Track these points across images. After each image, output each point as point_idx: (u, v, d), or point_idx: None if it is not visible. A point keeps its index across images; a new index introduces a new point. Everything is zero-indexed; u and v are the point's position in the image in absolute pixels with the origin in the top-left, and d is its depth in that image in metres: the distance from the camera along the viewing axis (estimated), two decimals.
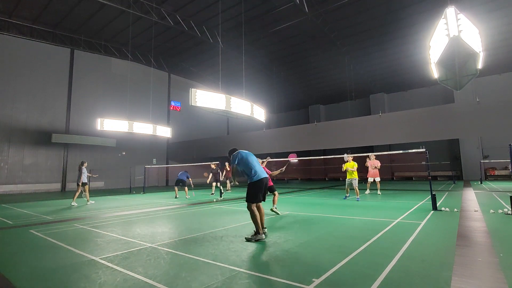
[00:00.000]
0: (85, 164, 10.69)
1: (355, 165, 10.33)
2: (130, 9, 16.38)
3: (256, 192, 4.67)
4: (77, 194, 10.35)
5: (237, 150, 5.03)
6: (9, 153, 17.73)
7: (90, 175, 12.25)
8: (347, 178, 10.40)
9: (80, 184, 10.38)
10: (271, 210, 7.12)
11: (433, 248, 3.81)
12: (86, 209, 9.15)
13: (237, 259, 3.48)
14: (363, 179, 12.81)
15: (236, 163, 4.84)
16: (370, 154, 11.60)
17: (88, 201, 10.72)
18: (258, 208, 4.73)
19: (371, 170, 11.93)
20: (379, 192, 11.93)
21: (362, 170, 12.06)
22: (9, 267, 3.43)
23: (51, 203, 11.26)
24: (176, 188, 13.12)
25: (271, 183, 7.19)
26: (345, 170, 10.40)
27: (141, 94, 24.39)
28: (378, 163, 11.83)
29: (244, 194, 7.74)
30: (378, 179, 11.89)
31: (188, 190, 13.01)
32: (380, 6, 16.61)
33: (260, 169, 4.84)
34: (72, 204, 10.01)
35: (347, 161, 10.39)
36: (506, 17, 17.11)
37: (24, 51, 18.64)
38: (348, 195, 10.70)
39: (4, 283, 2.89)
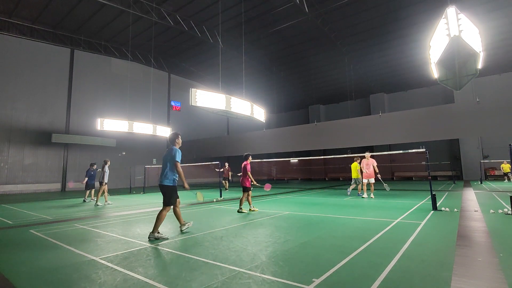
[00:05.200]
0: (108, 163, 10.63)
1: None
2: (130, 9, 16.38)
3: None
4: (100, 193, 10.34)
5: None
6: (9, 153, 17.73)
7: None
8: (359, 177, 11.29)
9: (104, 183, 10.37)
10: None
11: (433, 248, 3.81)
12: (87, 209, 9.15)
13: (237, 259, 3.48)
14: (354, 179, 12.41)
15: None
16: (366, 153, 10.97)
17: (106, 201, 10.43)
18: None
19: (367, 171, 10.78)
20: (372, 195, 10.77)
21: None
22: (9, 267, 3.42)
23: (51, 203, 11.26)
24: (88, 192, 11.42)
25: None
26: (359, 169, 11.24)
27: (141, 94, 24.38)
28: (374, 162, 10.83)
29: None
30: (372, 180, 10.80)
31: (95, 194, 10.94)
32: (380, 6, 16.61)
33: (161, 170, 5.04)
34: (97, 204, 9.99)
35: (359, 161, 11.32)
36: (506, 17, 17.11)
37: (24, 51, 18.64)
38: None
39: (4, 283, 2.89)
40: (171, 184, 4.84)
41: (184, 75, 28.22)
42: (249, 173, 7.75)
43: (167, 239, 4.69)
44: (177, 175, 4.89)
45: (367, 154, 10.94)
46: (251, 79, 25.95)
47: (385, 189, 10.60)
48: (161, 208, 4.88)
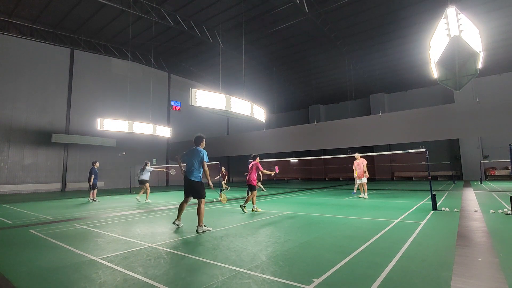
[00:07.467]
0: (149, 164, 11.37)
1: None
2: (130, 9, 16.39)
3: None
4: (143, 191, 11.28)
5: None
6: (9, 153, 17.73)
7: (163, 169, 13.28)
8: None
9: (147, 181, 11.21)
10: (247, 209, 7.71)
11: (433, 248, 3.81)
12: (87, 209, 9.15)
13: (237, 259, 3.48)
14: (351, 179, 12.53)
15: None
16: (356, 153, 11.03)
17: (147, 199, 11.26)
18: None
19: (360, 172, 10.86)
20: (366, 195, 10.65)
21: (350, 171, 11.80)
22: (9, 267, 3.42)
23: (51, 203, 11.26)
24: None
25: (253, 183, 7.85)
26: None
27: (141, 94, 24.38)
28: (364, 162, 10.88)
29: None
30: (364, 180, 10.77)
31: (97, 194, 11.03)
32: (380, 6, 16.61)
33: (186, 166, 5.50)
34: (138, 200, 11.15)
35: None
36: (506, 17, 17.12)
37: (24, 51, 18.63)
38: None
39: (4, 283, 2.89)
40: (199, 180, 5.40)
41: (184, 75, 28.22)
42: (262, 170, 7.92)
43: (211, 229, 5.28)
44: (201, 173, 5.46)
45: (357, 155, 11.07)
46: (251, 79, 25.95)
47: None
48: (178, 205, 5.49)
